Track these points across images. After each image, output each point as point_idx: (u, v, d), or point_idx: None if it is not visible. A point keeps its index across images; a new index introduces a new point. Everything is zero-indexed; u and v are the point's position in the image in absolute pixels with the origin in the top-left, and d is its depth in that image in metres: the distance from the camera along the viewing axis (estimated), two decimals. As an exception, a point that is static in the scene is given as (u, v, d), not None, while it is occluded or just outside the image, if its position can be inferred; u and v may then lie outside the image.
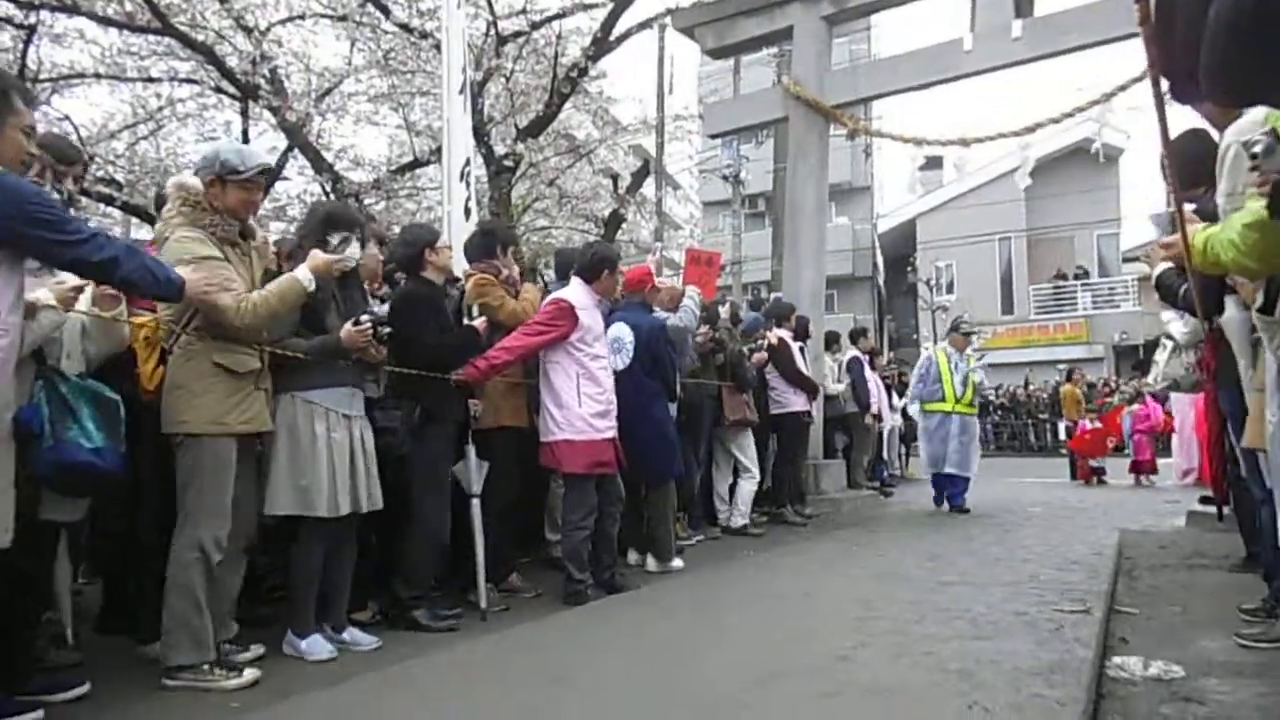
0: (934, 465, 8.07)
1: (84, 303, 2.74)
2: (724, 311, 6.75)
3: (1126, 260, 24.07)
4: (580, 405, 4.15)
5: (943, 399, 7.97)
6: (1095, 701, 2.57)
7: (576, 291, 4.30)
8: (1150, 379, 5.11)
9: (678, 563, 5.03)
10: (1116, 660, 3.06)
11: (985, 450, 17.09)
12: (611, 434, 4.28)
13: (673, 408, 5.44)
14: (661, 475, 4.95)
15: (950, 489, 7.98)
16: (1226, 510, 6.03)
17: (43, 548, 2.74)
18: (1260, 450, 3.08)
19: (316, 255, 3.13)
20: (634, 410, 4.57)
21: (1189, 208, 2.95)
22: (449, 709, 2.58)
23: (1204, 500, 7.14)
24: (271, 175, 10.25)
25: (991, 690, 2.54)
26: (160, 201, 3.62)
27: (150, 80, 10.21)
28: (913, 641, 3.16)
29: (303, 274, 3.04)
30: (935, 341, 24.27)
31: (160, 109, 10.71)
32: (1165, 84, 1.45)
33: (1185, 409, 9.69)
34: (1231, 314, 3.13)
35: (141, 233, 10.69)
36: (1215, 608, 3.89)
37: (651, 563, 5.01)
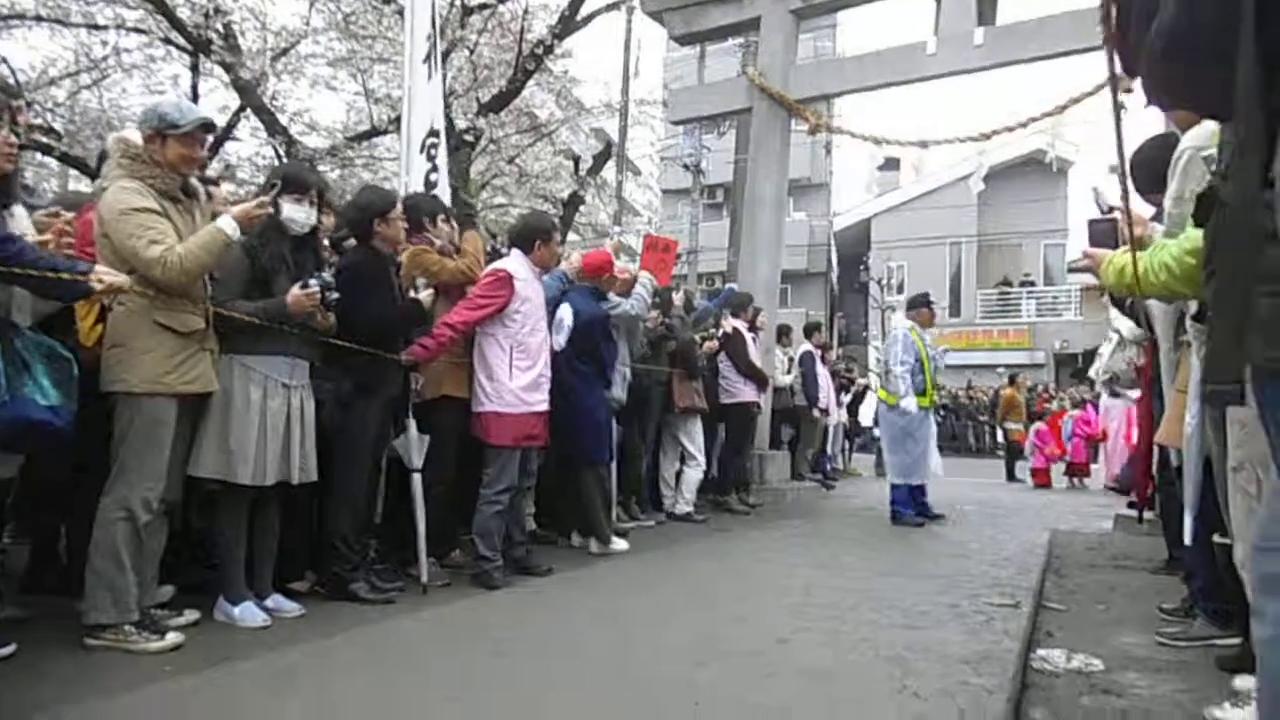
0: (913, 475, 6.78)
1: None
2: (677, 299, 6.75)
3: (1071, 270, 24.76)
4: (511, 378, 4.10)
5: (924, 391, 6.74)
6: (1020, 690, 2.66)
7: (515, 262, 4.25)
8: (1093, 372, 5.13)
9: (622, 544, 5.02)
10: (1041, 652, 3.15)
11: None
12: (543, 407, 4.23)
13: (620, 393, 5.44)
14: (588, 459, 4.92)
15: (924, 496, 6.92)
16: (1149, 515, 6.27)
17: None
18: (1173, 447, 3.19)
19: (243, 204, 3.06)
20: (565, 392, 4.53)
21: (1148, 211, 3.01)
22: (389, 675, 2.56)
23: (1131, 505, 7.42)
24: (222, 135, 9.93)
25: (923, 676, 2.60)
26: (103, 158, 3.52)
27: (95, 27, 9.77)
28: (849, 628, 3.23)
29: (225, 223, 2.94)
30: (884, 337, 24.74)
31: (105, 58, 10.24)
32: (1135, 85, 1.47)
33: (1118, 416, 10.04)
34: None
35: (81, 185, 10.29)
36: (1137, 607, 4.04)
37: (594, 545, 5.00)
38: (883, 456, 7.31)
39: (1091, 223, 3.00)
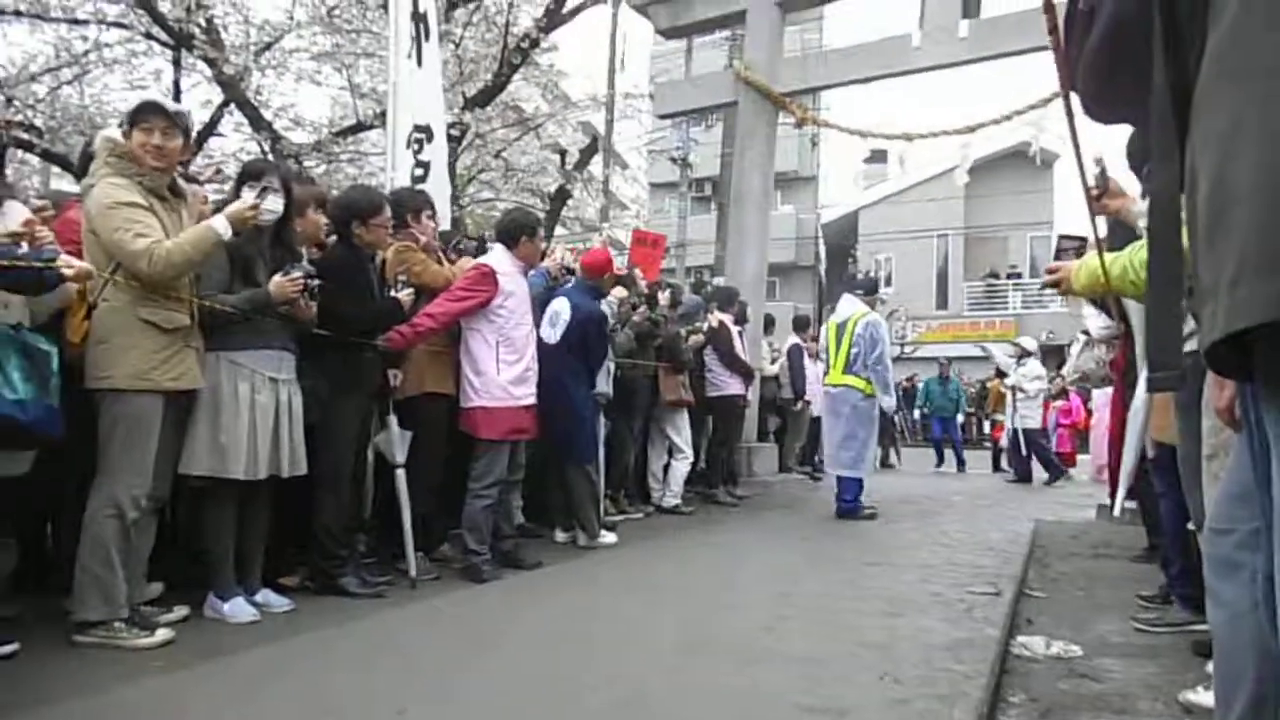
0: (866, 466, 6.64)
1: None
2: (663, 299, 6.70)
3: (1044, 287, 24.86)
4: (499, 373, 4.12)
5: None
6: (999, 676, 2.71)
7: (499, 257, 4.26)
8: (1064, 371, 5.25)
9: (610, 537, 5.06)
10: (1021, 639, 3.21)
11: (914, 441, 17.62)
12: (530, 401, 4.26)
13: (606, 387, 5.47)
14: (576, 456, 4.94)
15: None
16: (1128, 504, 6.36)
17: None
18: (1168, 444, 3.24)
19: (234, 205, 3.07)
20: (554, 387, 4.54)
21: (1136, 188, 3.05)
22: (375, 668, 2.58)
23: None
24: (206, 131, 9.87)
25: (903, 663, 2.65)
26: (86, 158, 3.50)
27: (76, 22, 9.69)
28: (832, 617, 3.28)
29: (218, 222, 2.97)
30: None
31: (86, 53, 10.14)
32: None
33: (1102, 407, 10.13)
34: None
35: (63, 183, 10.20)
36: (1116, 594, 4.11)
37: (582, 538, 5.04)
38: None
39: (1061, 238, 3.11)
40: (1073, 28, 1.19)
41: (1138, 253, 2.42)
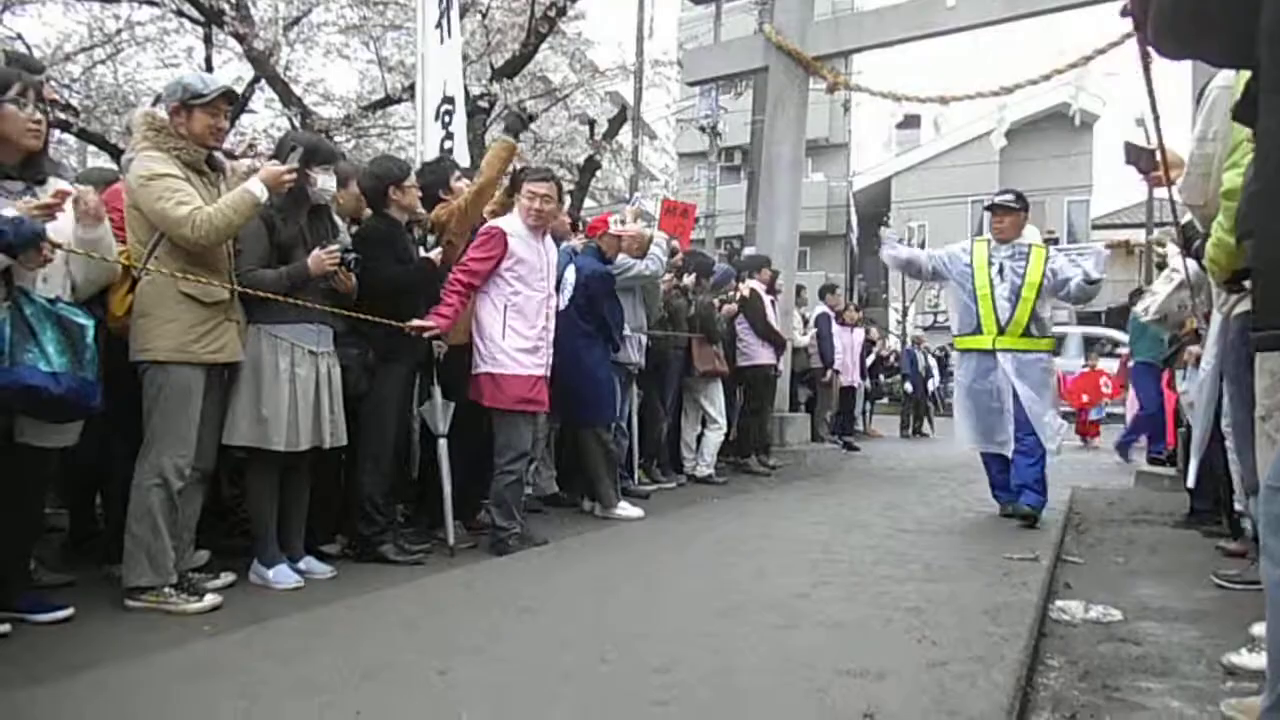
0: (980, 439, 5.02)
1: (66, 233, 2.67)
2: (688, 280, 6.50)
3: (1096, 227, 24.34)
4: (504, 338, 4.02)
5: (977, 329, 4.92)
6: (1037, 639, 2.70)
7: (512, 220, 4.16)
8: (1142, 308, 4.70)
9: (632, 511, 4.95)
10: (1059, 603, 3.19)
11: (945, 410, 16.74)
12: (541, 371, 4.13)
13: (637, 357, 5.46)
14: (587, 419, 4.93)
15: (1015, 476, 4.80)
16: (1171, 470, 6.24)
17: (24, 471, 2.71)
18: None
19: (267, 167, 3.10)
20: (565, 351, 4.45)
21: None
22: (419, 631, 2.64)
23: (1152, 461, 7.41)
24: (238, 107, 9.95)
25: (940, 627, 2.65)
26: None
27: (108, 1, 9.79)
28: (868, 582, 3.28)
29: (254, 185, 3.00)
30: (905, 301, 24.45)
31: (118, 32, 10.25)
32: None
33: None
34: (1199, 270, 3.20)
35: (99, 161, 10.35)
36: (1155, 559, 4.07)
37: (596, 509, 5.01)
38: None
39: (1127, 145, 3.06)
40: None
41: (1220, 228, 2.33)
